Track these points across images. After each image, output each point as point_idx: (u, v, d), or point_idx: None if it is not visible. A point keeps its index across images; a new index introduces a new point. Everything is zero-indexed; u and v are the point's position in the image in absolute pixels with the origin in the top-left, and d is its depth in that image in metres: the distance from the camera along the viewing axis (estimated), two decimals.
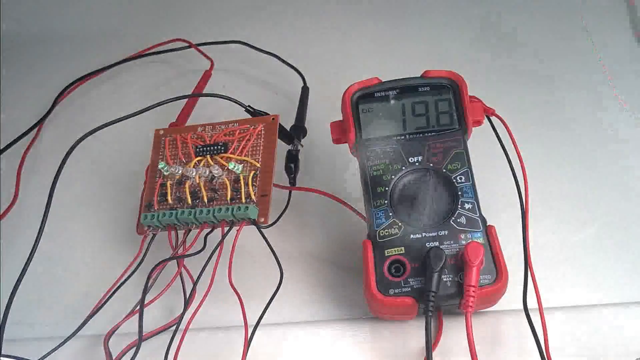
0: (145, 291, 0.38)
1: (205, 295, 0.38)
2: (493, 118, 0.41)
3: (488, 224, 0.38)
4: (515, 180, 0.39)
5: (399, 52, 0.60)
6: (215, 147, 0.43)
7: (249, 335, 0.37)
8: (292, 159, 0.46)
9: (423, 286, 0.36)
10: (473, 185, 0.38)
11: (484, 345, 0.37)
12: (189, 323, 0.38)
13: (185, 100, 0.51)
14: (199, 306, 0.38)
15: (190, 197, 0.41)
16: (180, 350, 0.36)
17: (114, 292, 0.41)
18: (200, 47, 0.60)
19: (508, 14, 0.63)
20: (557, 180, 0.47)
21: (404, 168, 0.39)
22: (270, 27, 0.65)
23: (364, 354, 0.38)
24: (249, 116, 0.45)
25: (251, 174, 0.41)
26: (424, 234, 0.37)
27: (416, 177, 0.39)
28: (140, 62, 0.62)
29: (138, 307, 0.38)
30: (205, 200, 0.41)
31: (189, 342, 0.37)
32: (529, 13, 0.62)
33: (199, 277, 0.39)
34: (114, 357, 0.37)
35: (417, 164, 0.39)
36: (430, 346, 0.35)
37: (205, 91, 0.55)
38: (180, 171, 0.42)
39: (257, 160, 0.42)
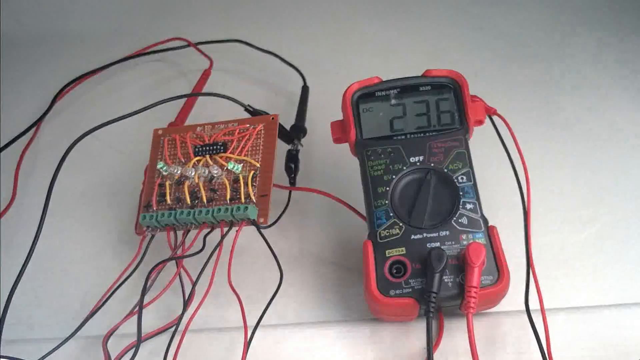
0: (144, 292, 0.38)
1: (205, 296, 0.38)
2: (495, 117, 0.41)
3: (489, 224, 0.38)
4: (517, 180, 0.39)
5: (399, 52, 0.60)
6: (215, 147, 0.43)
7: (249, 336, 0.37)
8: (292, 159, 0.46)
9: (424, 287, 0.36)
10: (474, 185, 0.38)
11: (485, 347, 0.37)
12: (188, 324, 0.37)
13: (185, 99, 0.51)
14: (198, 307, 0.38)
15: (190, 197, 0.41)
16: (180, 351, 0.36)
17: (113, 293, 0.40)
18: (200, 46, 0.60)
19: (508, 14, 0.62)
20: (559, 180, 0.47)
21: (404, 168, 0.39)
22: (270, 26, 0.65)
23: (364, 355, 0.38)
24: (248, 116, 0.44)
25: (251, 174, 0.41)
26: (425, 235, 0.37)
27: (417, 177, 0.39)
28: (139, 61, 0.62)
29: (137, 308, 0.38)
30: (205, 201, 0.41)
31: (188, 343, 0.37)
32: (529, 13, 0.62)
33: (198, 278, 0.39)
34: (112, 358, 0.37)
35: (418, 163, 0.39)
36: (431, 347, 0.35)
37: (204, 90, 0.55)
38: (179, 171, 0.42)
39: (256, 160, 0.42)
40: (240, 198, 0.40)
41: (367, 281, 0.37)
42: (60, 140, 0.53)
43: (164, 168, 0.42)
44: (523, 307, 0.36)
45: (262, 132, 0.43)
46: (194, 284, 0.39)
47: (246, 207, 0.39)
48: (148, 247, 0.42)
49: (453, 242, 0.37)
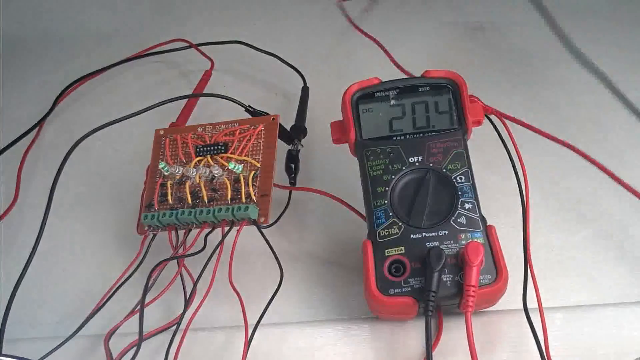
0: (145, 291, 0.38)
1: (206, 295, 0.38)
2: (493, 117, 0.41)
3: (488, 223, 0.38)
4: (517, 179, 0.39)
5: (399, 52, 0.60)
6: (216, 147, 0.43)
7: (249, 335, 0.37)
8: (292, 159, 0.46)
9: (423, 286, 0.36)
10: (473, 185, 0.38)
11: (484, 345, 0.37)
12: (189, 323, 0.38)
13: (186, 100, 0.51)
14: (199, 306, 0.38)
15: (191, 197, 0.41)
16: (181, 350, 0.36)
17: (114, 292, 0.41)
18: (201, 47, 0.60)
19: (508, 14, 0.63)
20: (557, 180, 0.47)
21: (404, 168, 0.39)
22: (270, 27, 0.65)
23: (364, 353, 0.38)
24: (249, 116, 0.45)
25: (251, 174, 0.41)
26: (424, 234, 0.37)
27: (416, 177, 0.39)
28: (141, 62, 0.62)
29: (138, 307, 0.38)
30: (206, 200, 0.41)
31: (189, 342, 0.37)
32: (529, 12, 0.62)
33: (199, 277, 0.39)
34: (114, 357, 0.37)
35: (417, 163, 0.39)
36: (430, 346, 0.35)
37: (205, 91, 0.55)
38: (180, 171, 0.42)
39: (257, 160, 0.42)
40: (241, 198, 0.40)
41: (367, 280, 0.37)
42: (63, 140, 0.54)
43: (166, 168, 0.43)
44: (521, 306, 0.37)
45: (263, 132, 0.43)
46: (195, 283, 0.39)
47: (247, 207, 0.39)
48: (149, 247, 0.42)
49: (452, 242, 0.37)
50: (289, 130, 0.47)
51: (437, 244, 0.37)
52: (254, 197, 0.40)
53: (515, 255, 0.38)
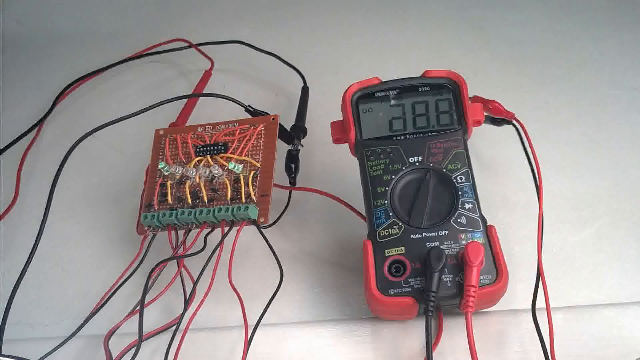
0: (145, 291, 0.38)
1: (206, 295, 0.38)
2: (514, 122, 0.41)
3: (488, 223, 0.38)
4: (535, 183, 0.39)
5: (399, 52, 0.60)
6: (216, 147, 0.43)
7: (249, 335, 0.37)
8: (292, 159, 0.46)
9: (423, 286, 0.36)
10: (473, 185, 0.38)
11: (484, 345, 0.37)
12: (189, 323, 0.38)
13: (186, 100, 0.51)
14: (199, 306, 0.38)
15: (191, 197, 0.41)
16: (181, 350, 0.36)
17: (114, 292, 0.41)
18: (200, 47, 0.60)
19: (508, 14, 0.63)
20: (559, 180, 0.47)
21: (404, 168, 0.39)
22: (270, 27, 0.65)
23: (364, 353, 0.38)
24: (249, 116, 0.45)
25: (251, 174, 0.41)
26: (424, 234, 0.37)
27: (416, 177, 0.39)
28: (140, 62, 0.62)
29: (138, 307, 0.38)
30: (206, 200, 0.41)
31: (189, 342, 0.37)
32: (529, 12, 0.62)
33: (199, 277, 0.39)
34: (114, 357, 0.37)
35: (417, 163, 0.39)
36: (430, 346, 0.35)
37: (205, 91, 0.55)
38: (180, 171, 0.42)
39: (257, 160, 0.42)
40: (240, 198, 0.40)
41: (367, 280, 0.37)
42: (62, 140, 0.54)
43: (165, 168, 0.42)
44: (522, 306, 0.37)
45: (263, 132, 0.43)
46: (195, 283, 0.39)
47: (247, 207, 0.39)
48: (149, 247, 0.42)
49: (452, 242, 0.37)
50: (289, 130, 0.47)
51: (437, 244, 0.37)
52: (253, 197, 0.40)
53: (516, 256, 0.38)
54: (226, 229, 0.40)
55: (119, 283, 0.41)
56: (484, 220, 0.38)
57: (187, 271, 0.41)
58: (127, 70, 0.61)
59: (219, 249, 0.39)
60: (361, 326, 0.40)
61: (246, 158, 0.42)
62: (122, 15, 0.69)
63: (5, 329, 0.35)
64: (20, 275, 0.37)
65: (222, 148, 0.43)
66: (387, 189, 0.39)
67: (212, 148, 0.43)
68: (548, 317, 0.36)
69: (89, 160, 0.53)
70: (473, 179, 0.39)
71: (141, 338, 0.37)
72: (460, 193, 0.38)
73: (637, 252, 0.43)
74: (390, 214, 0.38)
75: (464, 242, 0.37)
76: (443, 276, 0.36)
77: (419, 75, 0.42)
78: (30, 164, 0.54)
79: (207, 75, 0.57)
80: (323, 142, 0.46)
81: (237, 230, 0.40)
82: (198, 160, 0.43)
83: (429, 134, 0.40)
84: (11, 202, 0.51)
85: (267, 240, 0.40)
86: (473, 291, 0.35)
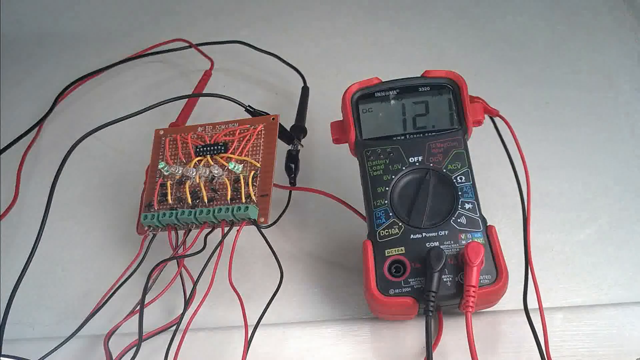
0: (145, 291, 0.38)
1: (206, 295, 0.38)
2: (496, 118, 0.41)
3: (488, 224, 0.38)
4: (517, 181, 0.39)
5: (399, 52, 0.60)
6: (216, 147, 0.43)
7: (249, 335, 0.37)
8: (292, 159, 0.46)
9: (423, 286, 0.36)
10: (473, 185, 0.38)
11: (484, 345, 0.37)
12: (189, 323, 0.38)
13: (186, 100, 0.51)
14: (199, 306, 0.38)
15: (191, 197, 0.41)
16: (180, 350, 0.36)
17: (114, 292, 0.41)
18: (201, 47, 0.60)
19: (508, 14, 0.63)
20: (558, 180, 0.47)
21: (404, 168, 0.39)
22: (270, 27, 0.65)
23: (364, 353, 0.38)
24: (249, 116, 0.45)
25: (251, 174, 0.41)
26: (424, 234, 0.37)
27: (416, 177, 0.39)
28: (140, 62, 0.62)
29: (138, 307, 0.38)
30: (206, 200, 0.41)
31: (189, 342, 0.37)
32: (529, 13, 0.62)
33: (199, 277, 0.39)
34: (114, 357, 0.37)
35: (417, 164, 0.39)
36: (430, 346, 0.35)
37: (205, 91, 0.55)
38: (180, 171, 0.42)
39: (257, 160, 0.42)
40: (240, 198, 0.40)
41: (367, 280, 0.37)
42: (62, 140, 0.54)
43: (165, 168, 0.43)
44: (521, 306, 0.37)
45: (263, 132, 0.43)
46: (195, 284, 0.39)
47: (247, 207, 0.39)
48: (149, 247, 0.42)
49: (452, 242, 0.37)
50: (289, 130, 0.47)
51: (437, 244, 0.37)
52: (253, 197, 0.40)
53: (516, 256, 0.38)
54: (226, 229, 0.40)
55: (119, 283, 0.41)
56: (484, 220, 0.38)
57: (187, 271, 0.41)
58: (127, 70, 0.61)
59: (219, 249, 0.39)
60: (361, 326, 0.40)
61: (246, 158, 0.42)
62: (122, 15, 0.69)
63: (5, 329, 0.35)
64: (20, 275, 0.37)
65: (222, 148, 0.43)
66: (387, 189, 0.39)
67: (212, 148, 0.43)
68: (541, 315, 0.36)
69: (89, 160, 0.53)
70: (473, 179, 0.39)
71: (141, 338, 0.37)
72: (460, 193, 0.38)
73: (637, 252, 0.43)
74: (390, 214, 0.38)
75: (464, 242, 0.37)
76: (443, 276, 0.36)
77: (419, 75, 0.42)
78: (30, 164, 0.54)
79: (207, 75, 0.57)
80: (323, 142, 0.46)
81: (237, 230, 0.40)
82: (198, 160, 0.43)
83: (429, 134, 0.40)
84: (11, 202, 0.51)
85: (267, 240, 0.40)
86: (473, 291, 0.35)
